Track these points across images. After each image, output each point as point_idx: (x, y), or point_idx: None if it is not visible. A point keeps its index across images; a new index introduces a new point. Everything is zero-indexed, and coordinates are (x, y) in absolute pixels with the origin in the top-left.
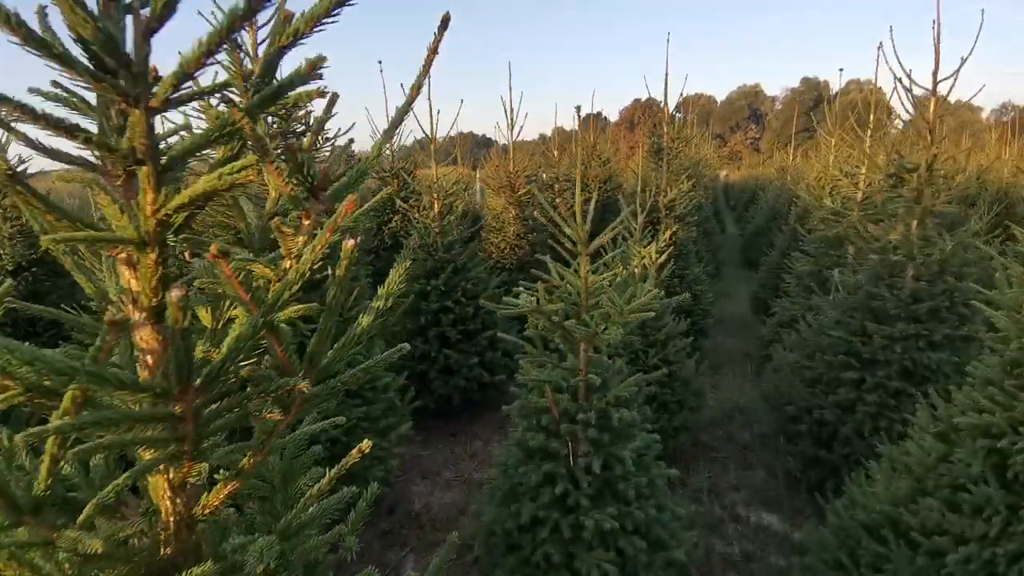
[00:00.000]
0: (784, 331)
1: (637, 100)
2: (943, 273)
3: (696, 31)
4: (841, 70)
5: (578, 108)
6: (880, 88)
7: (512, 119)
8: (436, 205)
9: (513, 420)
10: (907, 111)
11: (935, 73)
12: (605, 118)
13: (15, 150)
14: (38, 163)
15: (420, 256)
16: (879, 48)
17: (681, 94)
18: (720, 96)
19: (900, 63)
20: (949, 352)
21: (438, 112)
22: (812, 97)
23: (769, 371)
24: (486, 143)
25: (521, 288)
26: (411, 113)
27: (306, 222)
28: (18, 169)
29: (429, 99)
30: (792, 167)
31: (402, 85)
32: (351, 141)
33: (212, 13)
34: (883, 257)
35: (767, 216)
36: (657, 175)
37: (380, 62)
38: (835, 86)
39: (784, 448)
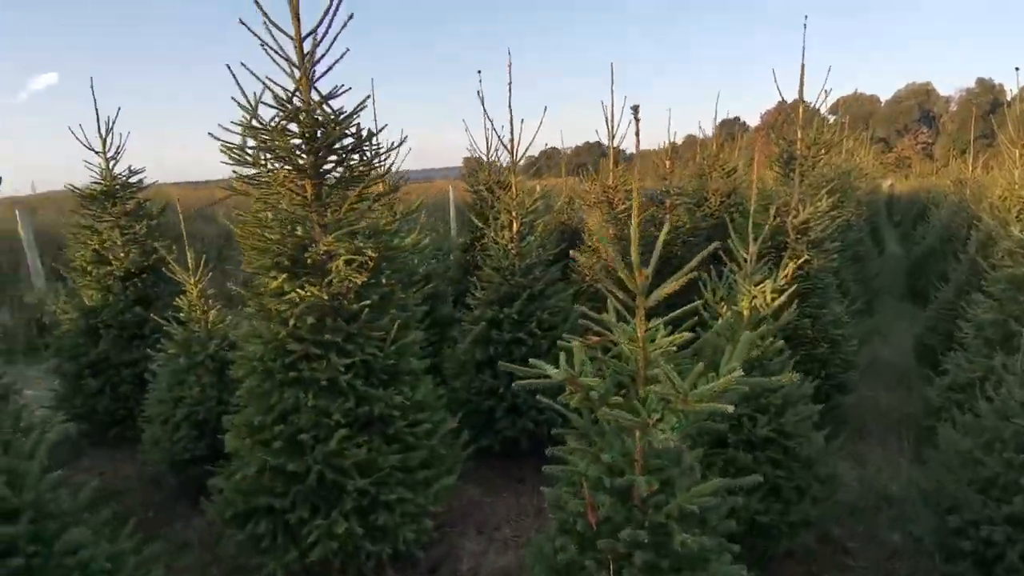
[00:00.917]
0: (958, 396)
1: (782, 102)
2: None
3: (846, 26)
4: (1017, 69)
5: (635, 108)
6: None
7: (612, 127)
8: (515, 224)
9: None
10: None
11: None
12: (744, 123)
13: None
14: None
15: (495, 280)
16: None
17: (826, 91)
18: (884, 96)
19: None
20: None
21: (521, 121)
22: (988, 100)
23: (932, 454)
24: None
25: (573, 342)
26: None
27: None
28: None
29: (509, 107)
30: (972, 180)
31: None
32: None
33: None
34: None
35: (939, 237)
36: (787, 189)
37: (479, 72)
38: (1011, 89)
39: (942, 569)
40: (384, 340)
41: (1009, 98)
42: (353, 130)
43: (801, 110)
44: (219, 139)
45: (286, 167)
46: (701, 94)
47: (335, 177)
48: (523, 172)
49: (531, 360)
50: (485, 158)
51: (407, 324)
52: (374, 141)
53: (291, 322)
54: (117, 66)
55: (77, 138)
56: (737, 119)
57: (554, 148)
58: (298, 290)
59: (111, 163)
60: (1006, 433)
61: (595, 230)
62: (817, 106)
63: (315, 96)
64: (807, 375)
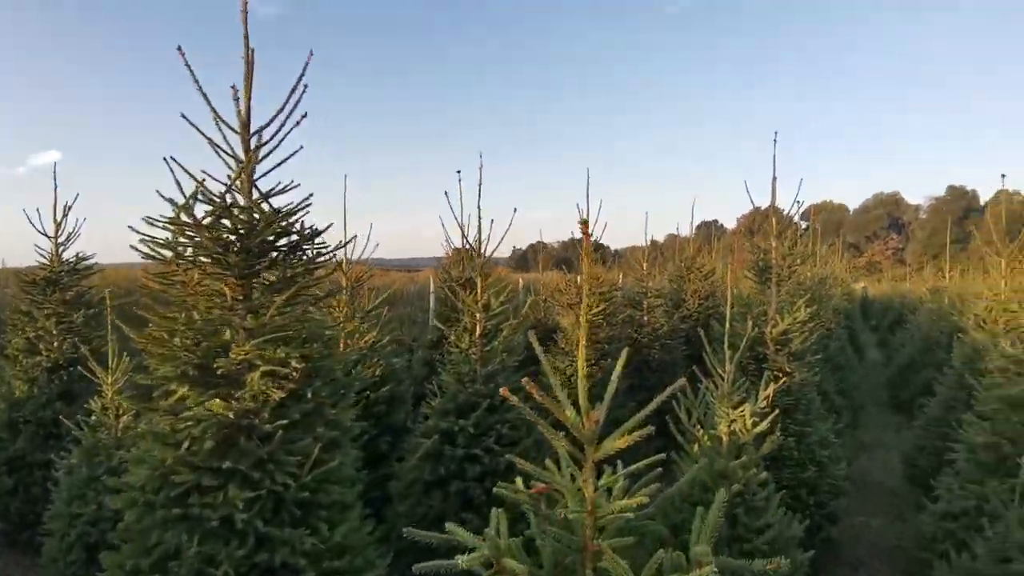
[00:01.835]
0: (951, 525)
1: (757, 208)
2: None
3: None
4: (1004, 176)
5: (584, 223)
6: None
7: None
8: (477, 327)
9: None
10: None
11: None
12: (721, 226)
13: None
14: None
15: (452, 387)
16: None
17: (798, 203)
18: (853, 205)
19: None
20: None
21: (491, 222)
22: (961, 206)
23: None
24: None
25: (513, 489)
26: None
27: None
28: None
29: (479, 208)
30: (950, 288)
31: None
32: None
33: None
34: None
35: (920, 348)
36: (764, 298)
37: (459, 171)
38: (984, 195)
39: None
40: (302, 466)
41: (983, 203)
42: (296, 227)
43: (774, 220)
44: (138, 231)
45: (210, 266)
46: (680, 197)
47: (267, 280)
48: (508, 265)
49: (448, 525)
50: (459, 252)
51: (335, 444)
52: (318, 240)
53: (185, 444)
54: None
55: (31, 223)
56: (715, 222)
57: (541, 242)
58: (200, 406)
59: (60, 248)
60: None
61: (568, 332)
62: (790, 214)
63: (255, 193)
64: (795, 503)
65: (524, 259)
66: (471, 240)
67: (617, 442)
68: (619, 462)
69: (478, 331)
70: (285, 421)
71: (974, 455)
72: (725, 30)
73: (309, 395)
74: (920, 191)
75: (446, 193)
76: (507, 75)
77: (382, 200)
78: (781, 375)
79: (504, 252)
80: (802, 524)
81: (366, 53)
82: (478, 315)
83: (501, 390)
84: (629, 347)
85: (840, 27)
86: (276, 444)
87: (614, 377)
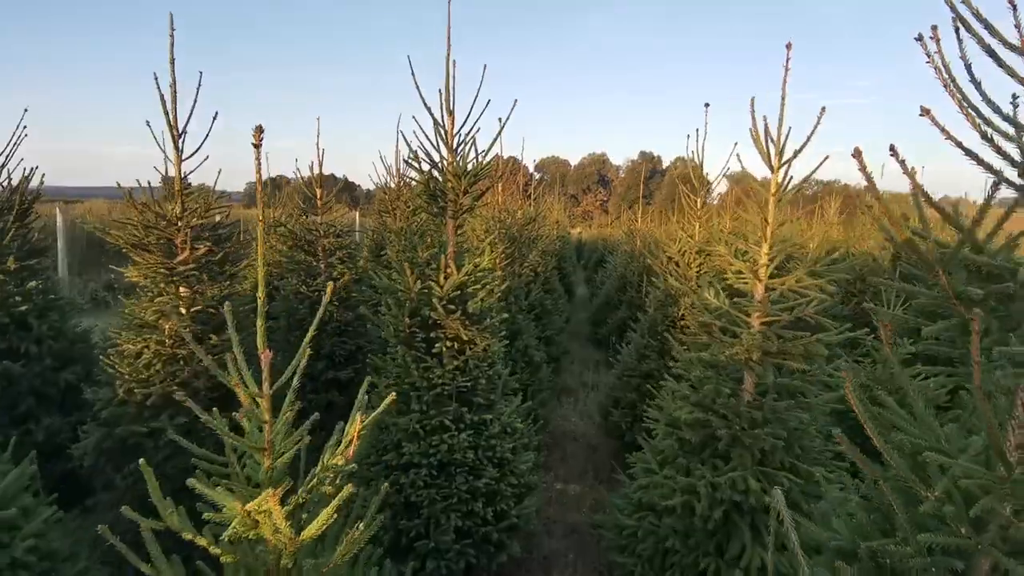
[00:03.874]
0: (655, 524)
1: (498, 156)
2: None
3: (548, 100)
4: (689, 135)
5: None
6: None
7: None
8: None
9: None
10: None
11: None
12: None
13: None
14: None
15: None
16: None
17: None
18: (574, 161)
19: None
20: None
21: None
22: (649, 168)
23: None
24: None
25: None
26: None
27: None
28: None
29: None
30: (641, 231)
31: None
32: None
33: None
34: None
35: (616, 286)
36: (439, 238)
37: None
38: (666, 160)
39: None
40: None
41: (665, 166)
42: None
43: (448, 125)
44: None
45: None
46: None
47: None
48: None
49: None
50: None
51: None
52: None
53: None
54: None
55: None
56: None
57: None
58: None
59: None
60: None
61: None
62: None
63: None
64: (468, 520)
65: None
66: None
67: None
68: None
69: None
70: None
71: (676, 430)
72: None
73: None
74: (621, 153)
75: None
76: None
77: None
78: (457, 345)
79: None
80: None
81: None
82: None
83: None
84: None
85: (553, 28)
86: None
87: None
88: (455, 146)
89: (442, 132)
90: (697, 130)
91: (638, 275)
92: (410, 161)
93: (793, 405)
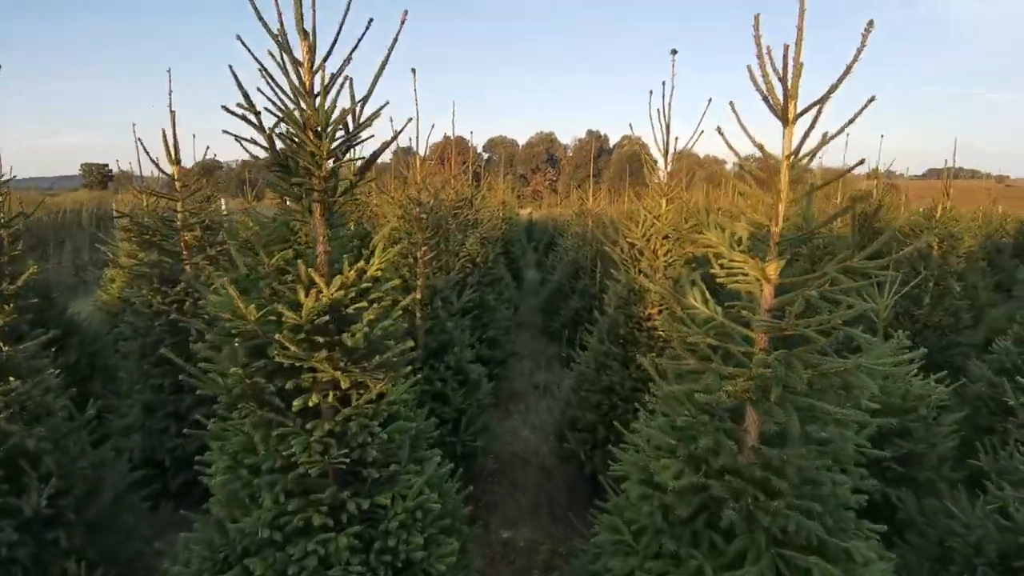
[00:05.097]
0: None
1: (447, 136)
2: None
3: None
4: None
5: None
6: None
7: None
8: None
9: None
10: None
11: None
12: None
13: None
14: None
15: None
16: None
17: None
18: (521, 140)
19: None
20: None
21: None
22: (596, 147)
23: None
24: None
25: None
26: None
27: None
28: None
29: None
30: (593, 211)
31: None
32: None
33: None
34: None
35: (568, 272)
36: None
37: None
38: (613, 138)
39: None
40: None
41: (612, 144)
42: None
43: (306, 69)
44: None
45: None
46: None
47: None
48: None
49: None
50: None
51: None
52: None
53: None
54: None
55: None
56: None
57: None
58: None
59: None
60: None
61: None
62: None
63: None
64: None
65: None
66: None
67: None
68: None
69: None
70: None
71: (658, 495)
72: None
73: None
74: (569, 132)
75: None
76: None
77: None
78: (334, 396)
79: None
80: None
81: None
82: None
83: None
84: None
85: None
86: None
87: None
88: (314, 89)
89: (293, 66)
90: (664, 83)
91: (591, 260)
92: (240, 110)
93: (819, 455)
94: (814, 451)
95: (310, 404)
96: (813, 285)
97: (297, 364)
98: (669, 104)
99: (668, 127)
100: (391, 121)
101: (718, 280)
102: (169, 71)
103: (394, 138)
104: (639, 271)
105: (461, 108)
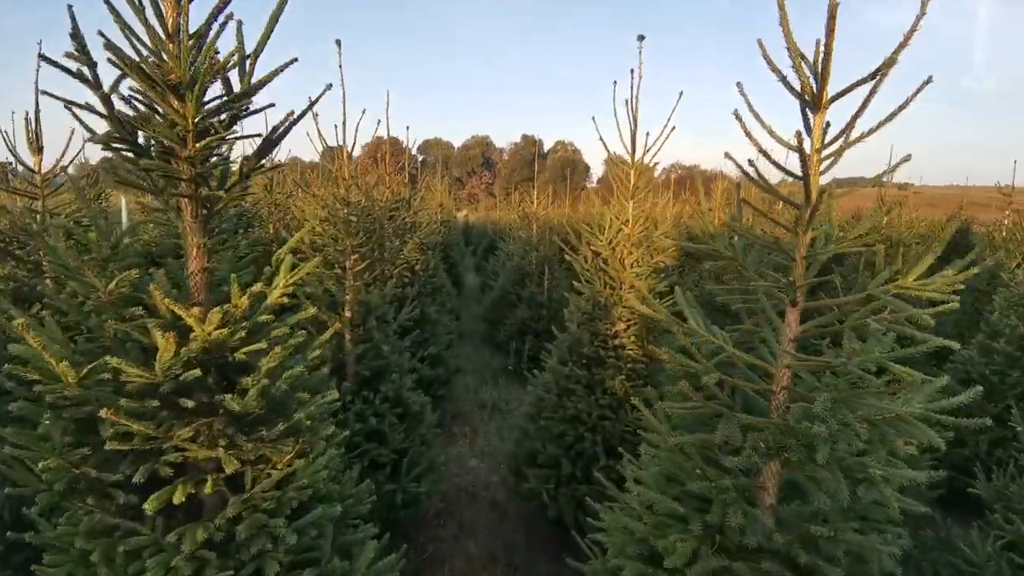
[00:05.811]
0: None
1: (380, 137)
2: None
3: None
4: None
5: None
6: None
7: None
8: None
9: None
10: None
11: None
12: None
13: None
14: None
15: None
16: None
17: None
18: (457, 143)
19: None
20: None
21: None
22: (532, 152)
23: None
24: None
25: None
26: None
27: None
28: None
29: None
30: (538, 215)
31: None
32: None
33: None
34: None
35: (512, 278)
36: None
37: None
38: (548, 143)
39: None
40: None
41: (546, 149)
42: None
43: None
44: None
45: None
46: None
47: None
48: None
49: None
50: None
51: None
52: None
53: None
54: None
55: None
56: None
57: None
58: None
59: None
60: None
61: None
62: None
63: None
64: None
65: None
66: None
67: None
68: None
69: None
70: None
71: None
72: None
73: None
74: (504, 137)
75: None
76: None
77: None
78: (217, 482)
79: None
80: None
81: None
82: None
83: None
84: None
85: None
86: None
87: None
88: (180, 32)
89: None
90: (632, 71)
91: (538, 266)
92: (66, 60)
93: (861, 521)
94: (854, 516)
95: (175, 501)
96: (853, 312)
97: (153, 442)
98: (636, 97)
99: (636, 119)
100: (311, 104)
101: (711, 293)
102: (40, 43)
103: (310, 106)
104: (605, 283)
105: (395, 106)
